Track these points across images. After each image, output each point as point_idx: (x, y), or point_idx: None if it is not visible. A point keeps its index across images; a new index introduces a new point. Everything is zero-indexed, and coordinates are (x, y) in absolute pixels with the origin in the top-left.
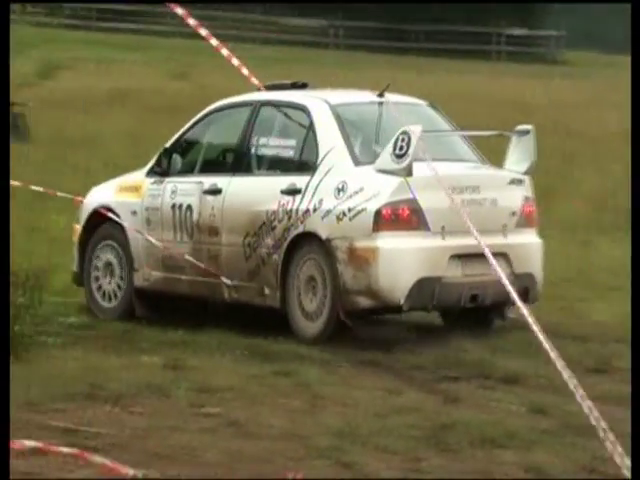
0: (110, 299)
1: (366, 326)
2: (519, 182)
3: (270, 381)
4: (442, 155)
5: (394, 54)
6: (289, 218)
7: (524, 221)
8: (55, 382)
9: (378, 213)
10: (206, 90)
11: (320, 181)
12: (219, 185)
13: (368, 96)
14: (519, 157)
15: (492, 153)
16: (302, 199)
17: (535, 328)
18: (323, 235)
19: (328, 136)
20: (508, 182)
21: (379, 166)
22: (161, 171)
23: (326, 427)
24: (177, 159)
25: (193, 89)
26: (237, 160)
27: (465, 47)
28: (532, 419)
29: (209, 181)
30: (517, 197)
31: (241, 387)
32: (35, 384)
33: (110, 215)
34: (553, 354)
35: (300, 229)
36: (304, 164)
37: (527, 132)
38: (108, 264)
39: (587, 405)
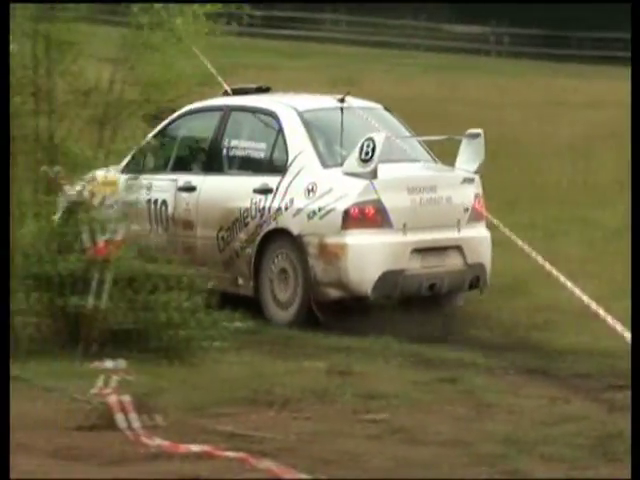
0: None
1: (533, 332)
2: (470, 181)
3: (435, 388)
4: (400, 156)
5: (554, 61)
6: (261, 215)
7: (475, 216)
8: (221, 386)
9: (346, 212)
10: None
11: (291, 182)
12: (193, 183)
13: (331, 101)
14: (469, 157)
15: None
16: (274, 198)
17: None
18: (295, 231)
19: (297, 140)
20: (461, 181)
21: (346, 169)
22: (136, 169)
23: (491, 434)
24: (151, 158)
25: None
26: (210, 160)
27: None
28: None
29: (183, 179)
30: (469, 194)
31: (406, 393)
32: (201, 388)
33: None
34: None
35: (272, 225)
36: (275, 166)
37: (478, 135)
38: None
39: None
